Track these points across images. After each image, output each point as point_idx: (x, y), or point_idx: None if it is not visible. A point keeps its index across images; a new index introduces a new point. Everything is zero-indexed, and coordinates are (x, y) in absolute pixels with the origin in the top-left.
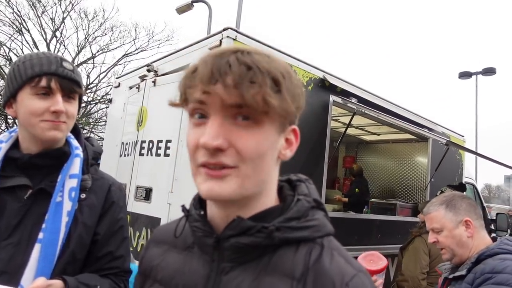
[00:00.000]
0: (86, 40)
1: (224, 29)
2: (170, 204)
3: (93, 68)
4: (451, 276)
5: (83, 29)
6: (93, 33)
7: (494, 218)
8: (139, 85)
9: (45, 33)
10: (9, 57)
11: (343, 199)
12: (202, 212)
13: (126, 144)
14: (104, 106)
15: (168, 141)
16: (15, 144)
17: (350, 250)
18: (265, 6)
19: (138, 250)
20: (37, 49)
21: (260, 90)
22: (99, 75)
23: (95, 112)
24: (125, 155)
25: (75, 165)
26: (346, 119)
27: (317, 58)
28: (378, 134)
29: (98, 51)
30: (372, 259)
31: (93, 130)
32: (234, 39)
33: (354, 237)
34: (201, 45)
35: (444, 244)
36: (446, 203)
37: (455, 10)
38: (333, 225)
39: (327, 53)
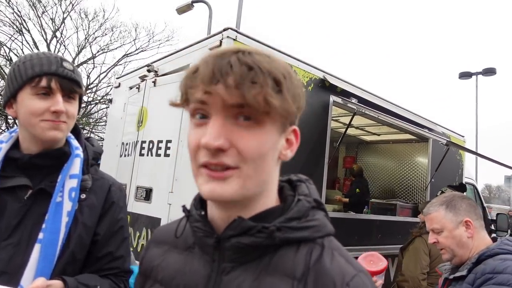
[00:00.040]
0: (86, 40)
1: (224, 29)
2: (170, 204)
3: (93, 68)
4: (451, 277)
5: (83, 29)
6: (93, 33)
7: (495, 218)
8: (139, 85)
9: (45, 33)
10: (9, 57)
11: (343, 199)
12: (202, 213)
13: (126, 144)
14: (104, 106)
15: (168, 141)
16: (16, 144)
17: (351, 250)
18: (265, 6)
19: (139, 250)
20: (37, 49)
21: (262, 90)
22: (99, 75)
23: (95, 112)
24: (125, 155)
25: (75, 165)
26: (346, 119)
27: (317, 58)
28: (378, 135)
29: (98, 51)
30: (372, 260)
31: (93, 130)
32: (234, 39)
33: (354, 238)
34: (201, 45)
35: (444, 245)
36: (446, 204)
37: (455, 10)
38: (333, 225)
39: (327, 53)
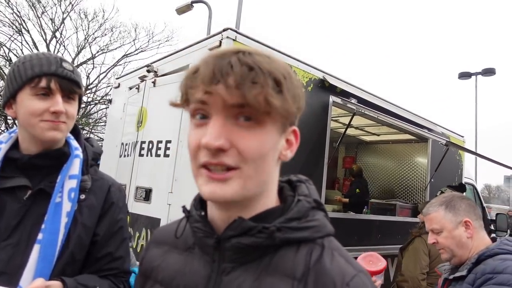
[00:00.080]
0: (86, 40)
1: (224, 30)
2: (170, 204)
3: (93, 69)
4: (451, 277)
5: (83, 30)
6: (93, 34)
7: (494, 218)
8: (139, 86)
9: (45, 33)
10: (9, 58)
11: (343, 200)
12: (203, 213)
13: (126, 144)
14: (104, 106)
15: (168, 141)
16: (15, 145)
17: (350, 250)
18: (265, 6)
19: (138, 250)
20: (37, 49)
21: (262, 90)
22: (98, 76)
23: (95, 112)
24: (125, 156)
25: (75, 166)
26: (346, 120)
27: (317, 58)
28: (378, 135)
29: (98, 52)
30: (371, 260)
31: (92, 130)
32: (234, 40)
33: (354, 238)
34: (201, 45)
35: (443, 245)
36: (446, 204)
37: (455, 11)
38: (333, 226)
39: (327, 53)
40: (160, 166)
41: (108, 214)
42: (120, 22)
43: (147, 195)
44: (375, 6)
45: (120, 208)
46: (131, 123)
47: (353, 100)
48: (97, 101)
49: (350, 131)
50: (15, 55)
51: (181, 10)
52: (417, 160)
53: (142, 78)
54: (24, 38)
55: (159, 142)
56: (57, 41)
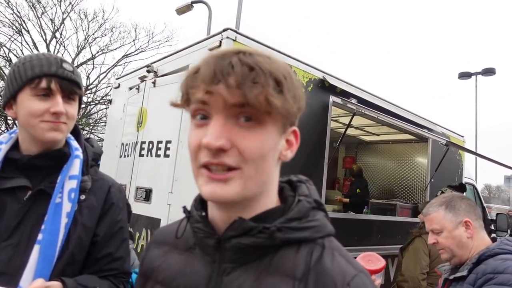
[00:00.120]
0: (86, 41)
1: (224, 30)
2: (170, 205)
3: (93, 69)
4: (451, 277)
5: (83, 30)
6: (93, 34)
7: (494, 218)
8: (139, 86)
9: (44, 34)
10: (9, 58)
11: (344, 200)
12: (203, 213)
13: (126, 145)
14: (104, 107)
15: (168, 142)
16: (15, 145)
17: (350, 250)
18: (265, 5)
19: (138, 251)
20: (37, 50)
21: (263, 90)
22: (98, 76)
23: (95, 113)
24: (125, 156)
25: (75, 166)
26: (346, 120)
27: (317, 56)
28: (378, 135)
29: (97, 52)
30: (370, 260)
31: (93, 131)
32: (234, 40)
33: (354, 238)
34: (201, 45)
35: (444, 245)
36: (446, 204)
37: (455, 10)
38: (333, 226)
39: (327, 51)
40: (160, 166)
41: (108, 215)
42: (120, 22)
43: (147, 195)
44: (375, 5)
45: (120, 208)
46: (131, 123)
47: (353, 100)
48: (97, 102)
49: (350, 131)
50: (15, 55)
51: (181, 10)
52: (417, 160)
53: (142, 79)
54: (24, 39)
55: (159, 142)
56: (57, 42)
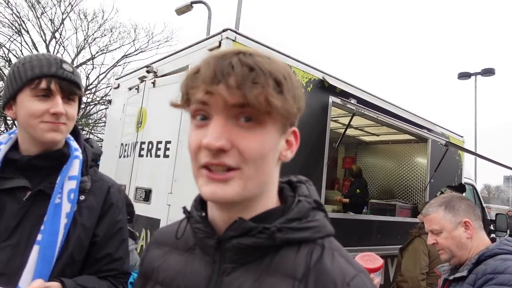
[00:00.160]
0: (86, 41)
1: (224, 30)
2: (169, 205)
3: (92, 69)
4: (451, 278)
5: (83, 30)
6: (93, 34)
7: (494, 218)
8: (138, 86)
9: (44, 34)
10: (8, 58)
11: (343, 200)
12: (203, 214)
13: (126, 145)
14: (103, 107)
15: (168, 142)
16: (15, 146)
17: (350, 251)
18: (264, 5)
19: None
20: (37, 50)
21: (263, 90)
22: (98, 76)
23: (95, 113)
24: (124, 156)
25: (74, 167)
26: (345, 120)
27: (316, 57)
28: (378, 135)
29: (97, 52)
30: (369, 259)
31: (92, 131)
32: (233, 40)
33: (354, 238)
34: (200, 46)
35: (443, 246)
36: (445, 205)
37: (455, 11)
38: (332, 226)
39: (326, 51)
40: (159, 166)
41: (108, 215)
42: (120, 22)
43: (146, 195)
44: (375, 5)
45: (119, 209)
46: (130, 123)
47: (353, 101)
48: (96, 102)
49: (350, 132)
50: (14, 55)
51: (180, 11)
52: (416, 160)
53: (142, 79)
54: (24, 39)
55: (159, 142)
56: (56, 42)
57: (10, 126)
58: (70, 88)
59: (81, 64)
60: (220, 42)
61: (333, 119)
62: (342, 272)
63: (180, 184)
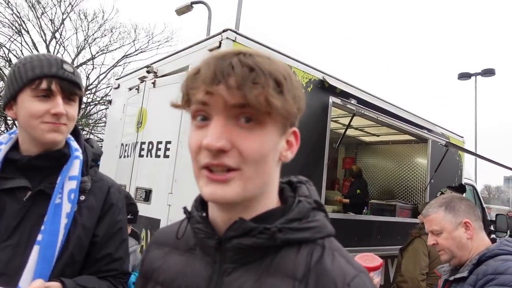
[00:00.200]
0: (86, 41)
1: (224, 31)
2: (169, 205)
3: (92, 69)
4: (451, 278)
5: (83, 30)
6: (93, 34)
7: (494, 219)
8: (138, 86)
9: (44, 34)
10: (8, 58)
11: (344, 200)
12: (204, 214)
13: (126, 145)
14: (103, 107)
15: (168, 142)
16: (15, 146)
17: (350, 251)
18: (264, 5)
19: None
20: (37, 50)
21: (263, 91)
22: (98, 76)
23: (95, 113)
24: (124, 156)
25: (75, 167)
26: (345, 120)
27: (316, 57)
28: (378, 135)
29: (97, 52)
30: (368, 259)
31: (92, 131)
32: (233, 41)
33: (354, 238)
34: (200, 46)
35: (443, 246)
36: (445, 205)
37: (455, 11)
38: (333, 226)
39: (326, 51)
40: (160, 166)
41: (108, 215)
42: (120, 23)
43: (147, 195)
44: (375, 5)
45: (119, 209)
46: (131, 123)
47: (353, 101)
48: (96, 102)
49: (350, 132)
50: (14, 55)
51: (180, 11)
52: (417, 160)
53: (142, 79)
54: (24, 39)
55: (159, 143)
56: (56, 42)
57: (10, 126)
58: (70, 88)
59: (81, 64)
60: (220, 43)
61: (333, 119)
62: (342, 272)
63: (180, 184)
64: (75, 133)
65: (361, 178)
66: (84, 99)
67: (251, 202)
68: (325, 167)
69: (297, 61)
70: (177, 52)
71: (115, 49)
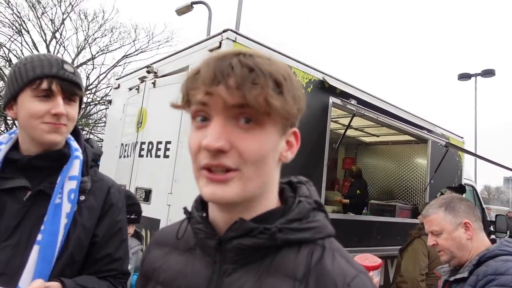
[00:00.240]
0: (86, 41)
1: (224, 31)
2: (169, 205)
3: (92, 69)
4: (451, 279)
5: (83, 30)
6: (93, 34)
7: (494, 219)
8: (138, 87)
9: (44, 34)
10: (8, 58)
11: (344, 201)
12: (204, 214)
13: (126, 145)
14: (103, 107)
15: (168, 142)
16: (15, 146)
17: (350, 251)
18: (265, 5)
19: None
20: (37, 50)
21: (262, 91)
22: (98, 76)
23: (95, 113)
24: (124, 156)
25: (75, 167)
26: (345, 121)
27: (316, 56)
28: (378, 136)
29: (97, 52)
30: (367, 258)
31: (92, 131)
32: (233, 41)
33: (354, 239)
34: (201, 46)
35: (443, 247)
36: (445, 206)
37: (455, 12)
38: (332, 227)
39: (326, 51)
40: (160, 167)
41: (108, 215)
42: (120, 23)
43: (146, 195)
44: (375, 5)
45: (119, 209)
46: (131, 123)
47: (353, 101)
48: (96, 102)
49: (350, 132)
50: (15, 55)
51: (181, 11)
52: (416, 161)
53: (142, 79)
54: (24, 39)
55: (159, 143)
56: (57, 42)
57: (10, 126)
58: (71, 88)
59: (81, 64)
60: (220, 43)
61: (333, 119)
62: (342, 273)
63: (180, 185)
64: (75, 133)
65: (361, 179)
66: (84, 99)
67: (251, 203)
68: (325, 167)
69: (297, 61)
70: (177, 52)
71: (115, 49)
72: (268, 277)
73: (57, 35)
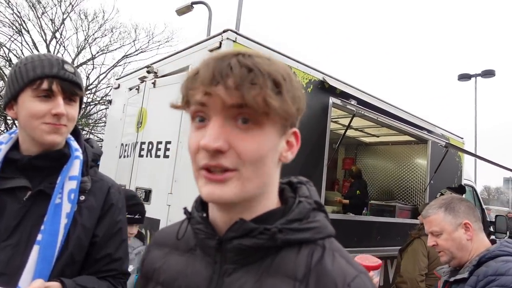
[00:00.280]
0: (86, 41)
1: (224, 31)
2: (169, 205)
3: (92, 69)
4: (451, 279)
5: (83, 30)
6: (93, 34)
7: (493, 220)
8: (138, 87)
9: (45, 34)
10: (9, 58)
11: (343, 201)
12: (204, 215)
13: (126, 145)
14: (103, 107)
15: (168, 142)
16: (15, 146)
17: (350, 252)
18: (265, 5)
19: None
20: (37, 50)
21: (261, 91)
22: (98, 76)
23: (95, 113)
24: (124, 156)
25: (75, 167)
26: (345, 121)
27: (316, 56)
28: (378, 136)
29: (97, 52)
30: (367, 258)
31: (92, 131)
32: (234, 41)
33: (354, 239)
34: (201, 46)
35: (443, 247)
36: (445, 206)
37: (455, 12)
38: (332, 227)
39: (326, 51)
40: (160, 167)
41: (108, 215)
42: (120, 23)
43: (146, 195)
44: (375, 6)
45: (119, 209)
46: (131, 123)
47: (353, 102)
48: (97, 102)
49: (350, 133)
50: (15, 55)
51: (181, 11)
52: (416, 161)
53: (142, 79)
54: (24, 39)
55: (159, 143)
56: (57, 42)
57: (10, 126)
58: (71, 89)
59: (81, 64)
60: (220, 43)
61: (333, 120)
62: (342, 273)
63: (180, 185)
64: (75, 133)
65: (360, 179)
66: (84, 99)
67: (251, 203)
68: (325, 167)
69: (297, 61)
70: (177, 52)
71: (115, 49)
72: (268, 277)
73: (57, 35)
